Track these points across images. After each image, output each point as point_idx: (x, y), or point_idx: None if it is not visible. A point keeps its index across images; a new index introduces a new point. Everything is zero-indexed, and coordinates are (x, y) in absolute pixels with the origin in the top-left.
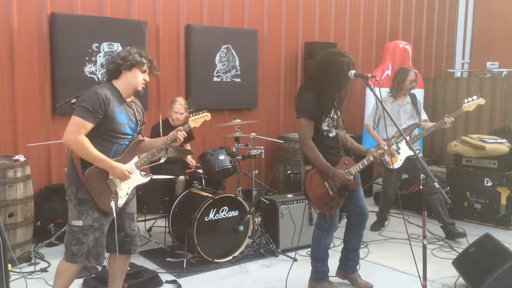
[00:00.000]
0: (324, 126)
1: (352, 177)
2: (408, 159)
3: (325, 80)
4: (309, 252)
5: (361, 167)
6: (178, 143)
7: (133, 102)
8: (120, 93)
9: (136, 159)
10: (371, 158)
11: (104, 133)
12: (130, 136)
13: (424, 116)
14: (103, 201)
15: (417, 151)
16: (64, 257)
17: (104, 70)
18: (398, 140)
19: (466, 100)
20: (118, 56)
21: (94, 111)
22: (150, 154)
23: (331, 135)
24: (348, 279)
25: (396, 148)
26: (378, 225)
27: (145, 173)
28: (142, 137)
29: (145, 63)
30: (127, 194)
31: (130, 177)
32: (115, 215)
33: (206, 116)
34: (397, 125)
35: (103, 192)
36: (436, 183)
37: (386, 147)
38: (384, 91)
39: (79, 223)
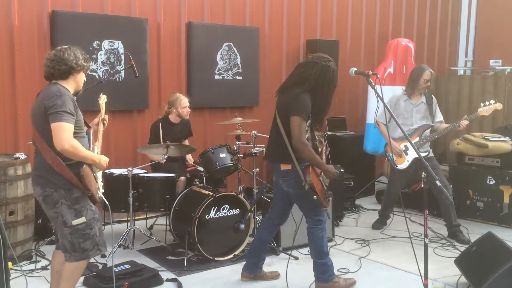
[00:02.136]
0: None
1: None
2: (416, 160)
3: (323, 85)
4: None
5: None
6: (106, 125)
7: None
8: (70, 91)
9: (96, 148)
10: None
11: (76, 132)
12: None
13: (439, 117)
14: (95, 192)
15: (425, 153)
16: (72, 259)
17: (105, 68)
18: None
19: (482, 104)
20: (73, 57)
21: (72, 113)
22: (100, 143)
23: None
24: (258, 278)
25: (404, 149)
26: (380, 224)
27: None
28: (88, 125)
29: (88, 65)
30: (101, 182)
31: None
32: (107, 202)
33: (104, 96)
34: (399, 124)
35: (94, 185)
36: (437, 181)
37: None
38: (400, 89)
39: (82, 220)
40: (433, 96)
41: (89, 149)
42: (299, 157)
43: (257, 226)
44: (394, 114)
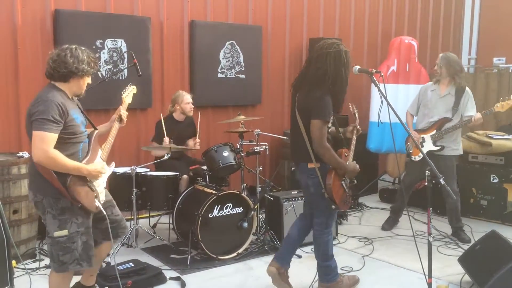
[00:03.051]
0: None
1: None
2: (431, 154)
3: (338, 74)
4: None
5: (353, 151)
6: (124, 122)
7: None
8: (67, 94)
9: (100, 152)
10: (351, 136)
11: (68, 138)
12: (86, 132)
13: (469, 112)
14: (89, 202)
15: (438, 147)
16: (53, 269)
17: (108, 66)
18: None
19: (501, 99)
20: (75, 61)
21: (55, 121)
22: (109, 144)
23: (329, 130)
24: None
25: (421, 141)
26: (389, 224)
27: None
28: (94, 127)
29: (94, 69)
30: (104, 188)
31: (105, 174)
32: (104, 212)
33: (133, 88)
34: (399, 117)
35: (88, 194)
36: (441, 180)
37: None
38: (429, 82)
39: (64, 232)
40: (466, 88)
41: (86, 155)
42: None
43: (260, 224)
44: (422, 106)
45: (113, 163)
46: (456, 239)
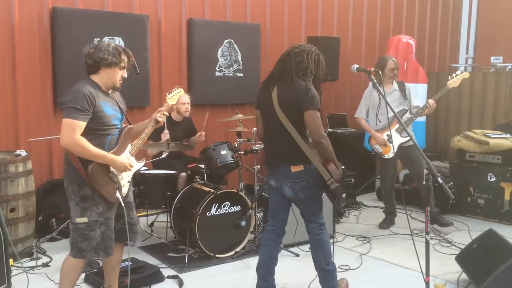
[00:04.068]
0: None
1: None
2: (401, 147)
3: (317, 72)
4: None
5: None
6: (161, 124)
7: (113, 92)
8: (101, 87)
9: (129, 147)
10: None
11: (96, 128)
12: (119, 126)
13: (415, 102)
14: (109, 193)
15: (406, 138)
16: (71, 254)
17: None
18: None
19: (450, 77)
20: (97, 51)
21: (83, 109)
22: (140, 140)
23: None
24: None
25: (386, 138)
26: (387, 223)
27: (139, 159)
28: (129, 124)
29: (123, 61)
30: (129, 182)
31: (131, 169)
32: (123, 205)
33: (180, 91)
34: (397, 115)
35: (108, 184)
36: (439, 178)
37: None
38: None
39: (84, 219)
40: (405, 83)
41: (114, 147)
42: (311, 154)
43: (258, 223)
44: (370, 107)
45: (144, 160)
46: (437, 225)
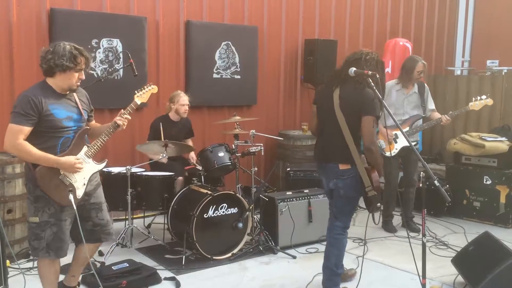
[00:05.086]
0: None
1: None
2: (404, 149)
3: (382, 80)
4: (308, 250)
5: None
6: (121, 127)
7: (72, 93)
8: (55, 89)
9: (85, 148)
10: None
11: (46, 131)
12: (75, 127)
13: (431, 105)
14: (59, 196)
15: (413, 143)
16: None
17: (104, 66)
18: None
19: (474, 99)
20: (52, 56)
21: (26, 114)
22: (99, 141)
23: None
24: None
25: (394, 137)
26: (391, 226)
27: (98, 161)
28: (89, 125)
29: (79, 64)
30: (84, 184)
31: (80, 169)
32: (75, 208)
33: (152, 89)
34: (394, 119)
35: (58, 187)
36: (436, 181)
37: None
38: (393, 82)
39: (36, 219)
40: (425, 85)
41: (66, 149)
42: (358, 157)
43: (255, 225)
44: (386, 104)
45: (105, 161)
46: (408, 229)
